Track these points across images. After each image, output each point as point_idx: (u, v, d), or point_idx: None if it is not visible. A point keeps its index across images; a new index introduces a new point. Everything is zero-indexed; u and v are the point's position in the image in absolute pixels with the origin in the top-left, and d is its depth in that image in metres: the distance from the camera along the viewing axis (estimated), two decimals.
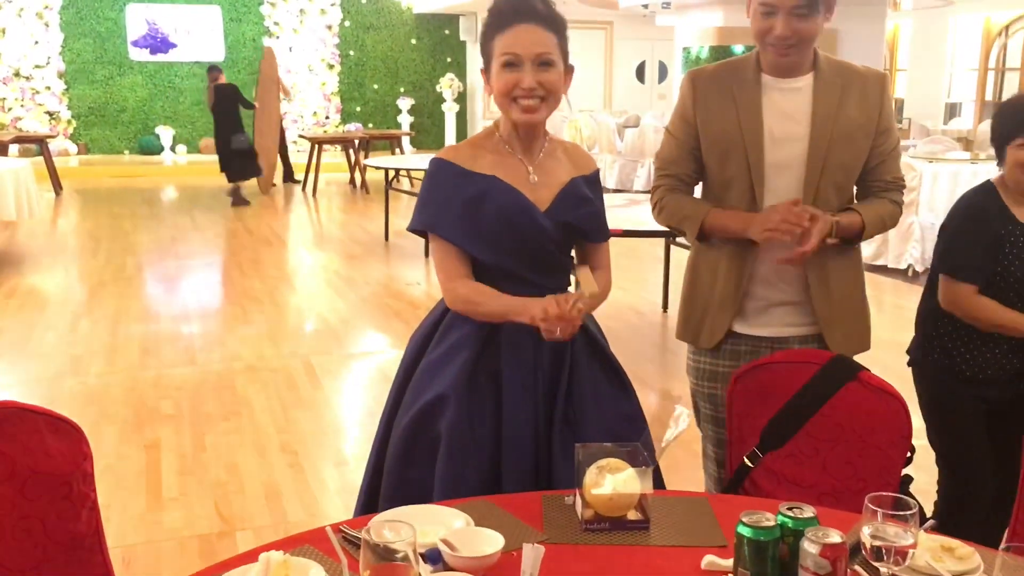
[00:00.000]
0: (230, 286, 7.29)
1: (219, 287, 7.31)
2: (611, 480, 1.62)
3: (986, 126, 12.22)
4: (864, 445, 2.01)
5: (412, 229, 2.06)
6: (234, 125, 11.43)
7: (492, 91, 1.99)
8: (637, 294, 6.76)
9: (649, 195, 2.42)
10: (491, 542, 1.48)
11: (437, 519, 1.60)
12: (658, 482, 2.02)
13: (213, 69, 11.86)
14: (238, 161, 11.44)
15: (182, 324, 6.05)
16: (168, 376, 4.94)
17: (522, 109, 1.95)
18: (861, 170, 2.25)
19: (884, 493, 1.42)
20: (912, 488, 2.08)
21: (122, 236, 9.24)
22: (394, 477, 1.98)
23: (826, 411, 2.05)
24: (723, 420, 2.27)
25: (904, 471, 2.04)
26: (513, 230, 1.97)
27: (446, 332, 2.03)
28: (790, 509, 1.45)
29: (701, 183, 2.34)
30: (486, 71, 1.99)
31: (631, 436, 1.95)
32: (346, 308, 6.54)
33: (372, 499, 2.03)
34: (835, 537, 1.34)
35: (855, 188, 2.30)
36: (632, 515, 1.64)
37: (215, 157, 12.06)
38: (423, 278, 7.50)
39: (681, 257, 7.06)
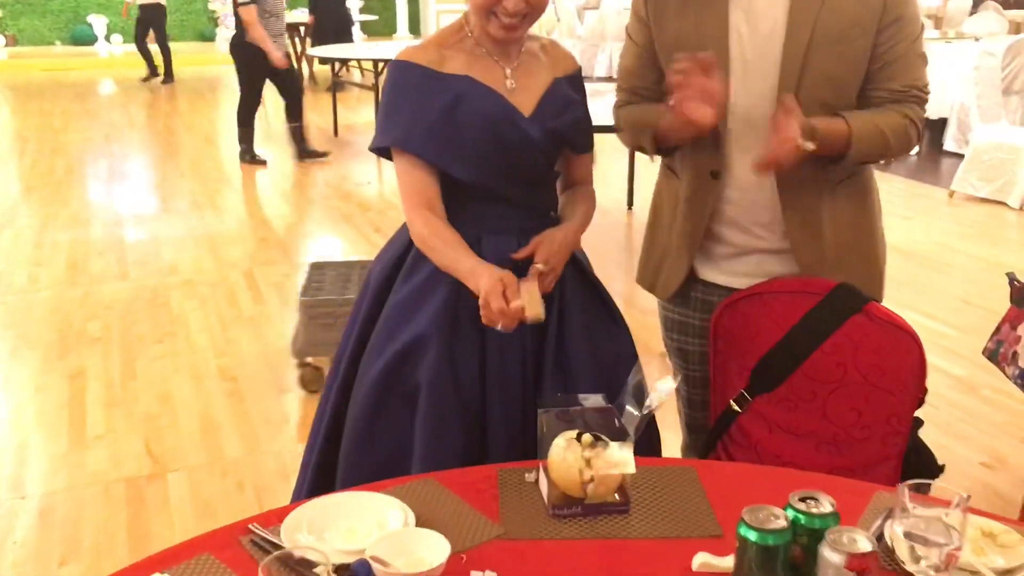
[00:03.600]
0: (168, 190, 6.82)
1: (156, 191, 6.84)
2: (585, 458, 1.33)
3: (956, 1, 11.79)
4: (871, 388, 1.74)
5: (375, 148, 1.73)
6: None
7: None
8: (601, 191, 6.40)
9: (612, 83, 2.03)
10: (433, 549, 1.19)
11: (370, 511, 1.31)
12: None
13: None
14: None
15: (114, 233, 5.62)
16: (97, 293, 4.56)
17: (502, 27, 1.65)
18: (862, 78, 1.72)
19: (921, 480, 1.15)
20: (922, 433, 1.83)
21: (51, 135, 8.66)
22: (360, 438, 1.71)
23: (827, 349, 1.77)
24: (695, 378, 1.99)
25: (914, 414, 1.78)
26: (496, 139, 1.67)
27: (417, 263, 1.73)
28: (803, 500, 1.17)
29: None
30: None
31: (623, 376, 1.72)
32: (292, 212, 6.14)
33: (327, 472, 1.75)
34: (863, 543, 1.07)
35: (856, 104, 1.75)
36: (609, 497, 1.36)
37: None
38: (374, 176, 7.09)
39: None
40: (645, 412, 1.35)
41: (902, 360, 1.72)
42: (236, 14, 6.79)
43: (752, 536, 1.11)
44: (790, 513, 1.15)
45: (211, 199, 6.41)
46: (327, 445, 1.81)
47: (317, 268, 3.77)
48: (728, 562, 1.21)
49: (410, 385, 1.68)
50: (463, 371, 1.69)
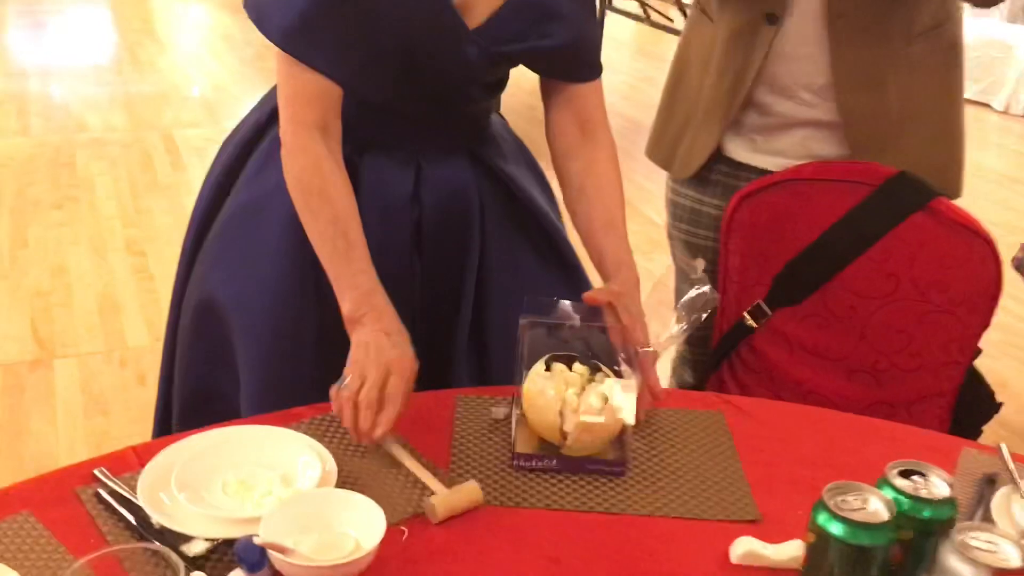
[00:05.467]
0: (84, 38, 6.13)
1: (70, 38, 6.14)
2: (576, 396, 0.95)
3: None
4: (928, 307, 1.37)
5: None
6: None
7: None
8: None
9: None
10: (361, 522, 0.80)
11: (271, 458, 0.91)
12: None
13: None
14: None
15: (18, 82, 4.99)
16: None
17: None
18: None
19: None
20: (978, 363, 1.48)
21: None
22: (189, 374, 1.25)
23: (875, 254, 1.39)
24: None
25: None
26: (416, 54, 1.10)
27: (273, 153, 1.14)
28: (904, 474, 0.80)
29: None
30: None
31: None
32: (222, 72, 5.53)
33: (167, 410, 1.31)
34: (1010, 551, 0.71)
35: None
36: (596, 451, 0.98)
37: None
38: None
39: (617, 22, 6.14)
40: (663, 339, 0.96)
41: (972, 273, 1.36)
42: None
43: (839, 531, 0.75)
44: (888, 494, 0.78)
45: (132, 53, 5.76)
46: (165, 406, 1.34)
47: None
48: (784, 552, 0.85)
49: (228, 332, 1.19)
50: (307, 320, 1.16)
